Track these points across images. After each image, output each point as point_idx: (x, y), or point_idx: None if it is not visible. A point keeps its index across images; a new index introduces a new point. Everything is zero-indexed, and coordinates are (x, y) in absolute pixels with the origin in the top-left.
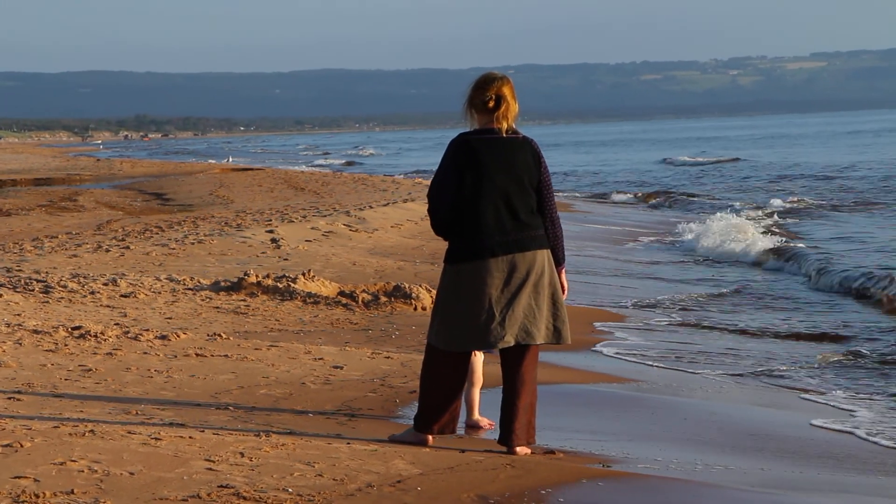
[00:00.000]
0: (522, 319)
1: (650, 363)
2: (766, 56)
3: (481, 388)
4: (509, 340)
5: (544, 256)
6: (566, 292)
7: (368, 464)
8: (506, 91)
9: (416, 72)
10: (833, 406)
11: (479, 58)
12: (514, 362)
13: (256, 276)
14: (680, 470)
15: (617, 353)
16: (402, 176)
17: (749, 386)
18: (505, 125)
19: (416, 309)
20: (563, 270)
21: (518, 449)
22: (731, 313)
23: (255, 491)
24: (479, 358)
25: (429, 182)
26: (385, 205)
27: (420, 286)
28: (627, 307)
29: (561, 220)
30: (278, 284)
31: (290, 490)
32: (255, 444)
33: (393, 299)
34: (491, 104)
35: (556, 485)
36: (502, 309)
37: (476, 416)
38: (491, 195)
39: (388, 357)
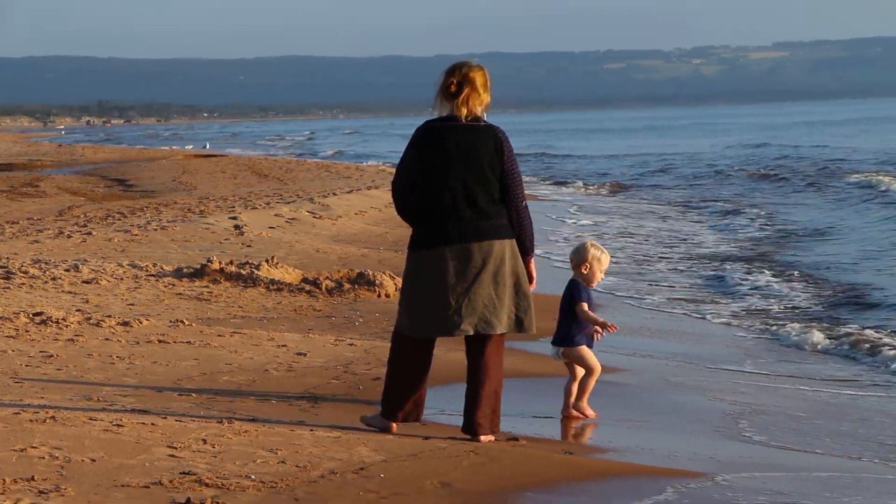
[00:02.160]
0: (482, 309)
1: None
2: (729, 45)
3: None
4: (467, 329)
5: (505, 246)
6: (534, 282)
7: (331, 451)
8: (473, 77)
9: (381, 59)
10: None
11: (445, 46)
12: (476, 351)
13: (219, 262)
14: (645, 456)
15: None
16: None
17: (716, 370)
18: (465, 111)
19: (379, 296)
20: (532, 260)
21: (482, 437)
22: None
23: (217, 477)
24: (582, 350)
25: (394, 169)
26: (349, 192)
27: (384, 273)
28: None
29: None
30: (241, 271)
31: (252, 477)
32: (217, 430)
33: (356, 286)
34: (453, 89)
35: (520, 471)
36: (459, 297)
37: (583, 402)
38: (449, 183)
39: (351, 344)
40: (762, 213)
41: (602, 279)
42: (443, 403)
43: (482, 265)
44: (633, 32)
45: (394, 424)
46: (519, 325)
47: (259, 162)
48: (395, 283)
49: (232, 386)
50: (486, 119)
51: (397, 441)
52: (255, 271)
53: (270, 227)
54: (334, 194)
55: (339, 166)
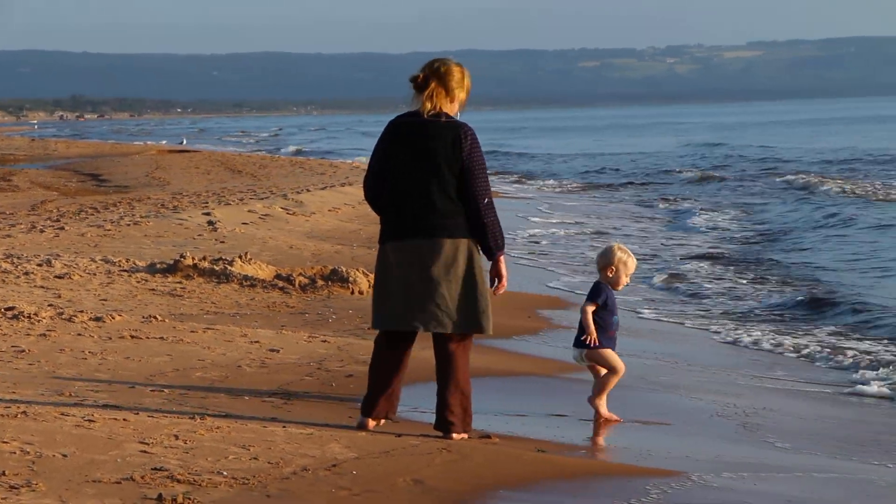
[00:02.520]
0: (433, 307)
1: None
2: (702, 44)
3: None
4: (417, 325)
5: (458, 244)
6: (503, 280)
7: (304, 447)
8: (445, 73)
9: (356, 55)
10: None
11: (420, 43)
12: (441, 349)
13: (193, 258)
14: (620, 454)
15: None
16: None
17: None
18: (429, 106)
19: (353, 293)
20: (501, 258)
21: (454, 435)
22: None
23: (189, 474)
24: (606, 353)
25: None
26: (323, 188)
27: (357, 270)
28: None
29: (495, 207)
30: (215, 267)
31: (224, 473)
32: (189, 426)
33: (330, 283)
34: (420, 83)
35: (492, 469)
36: (409, 292)
37: (601, 399)
38: (408, 178)
39: (324, 341)
40: (715, 211)
41: (628, 283)
42: (417, 401)
43: (435, 263)
44: (608, 31)
45: (369, 421)
46: (472, 325)
47: (233, 158)
48: (369, 280)
49: (204, 382)
50: (457, 116)
51: (370, 438)
52: (229, 267)
53: (244, 224)
54: (308, 191)
55: (312, 162)
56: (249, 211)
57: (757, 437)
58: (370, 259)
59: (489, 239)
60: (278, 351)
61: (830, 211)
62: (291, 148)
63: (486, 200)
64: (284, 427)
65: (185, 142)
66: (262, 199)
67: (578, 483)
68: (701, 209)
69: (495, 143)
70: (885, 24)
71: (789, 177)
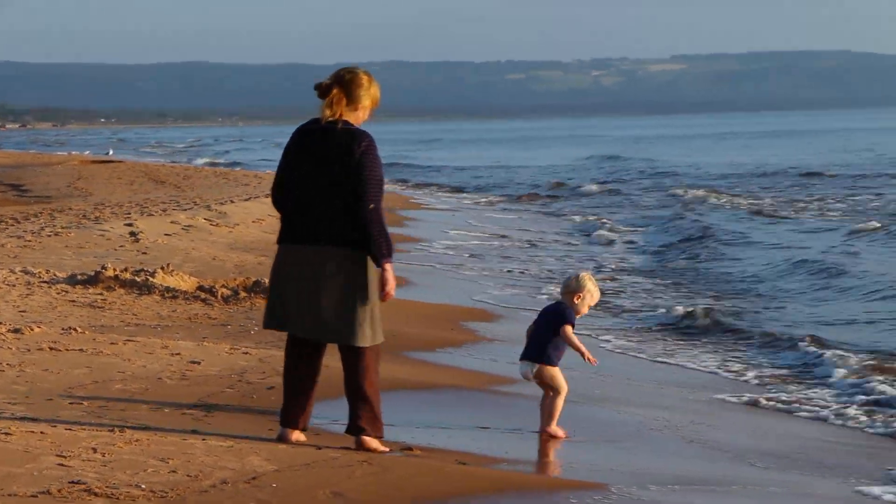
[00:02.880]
0: (313, 314)
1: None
2: (627, 57)
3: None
4: (297, 331)
5: (345, 253)
6: (389, 288)
7: (224, 460)
8: (349, 80)
9: (280, 66)
10: None
11: (345, 54)
12: (343, 357)
13: (114, 269)
14: (542, 467)
15: (469, 354)
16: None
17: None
18: (328, 114)
19: None
20: (387, 265)
21: (365, 439)
22: None
23: (107, 487)
24: (555, 371)
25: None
26: (247, 199)
27: None
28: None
29: (383, 214)
30: (136, 278)
31: (142, 486)
32: (108, 439)
33: (253, 294)
34: (323, 87)
35: (413, 482)
36: (297, 297)
37: (551, 427)
38: (302, 185)
39: (246, 353)
40: (618, 224)
41: (586, 313)
42: (337, 413)
43: (319, 270)
44: (534, 43)
45: (289, 432)
46: (346, 336)
47: (156, 168)
48: None
49: (124, 394)
50: (361, 124)
51: (290, 450)
52: (151, 279)
53: (166, 235)
54: (232, 202)
55: (237, 173)
56: (172, 222)
57: (690, 450)
58: None
59: (373, 246)
60: (199, 363)
61: (725, 227)
62: (203, 160)
63: (372, 207)
64: (204, 440)
65: (111, 152)
66: (186, 210)
67: (498, 496)
68: (602, 222)
69: (404, 154)
70: (805, 38)
71: (677, 190)
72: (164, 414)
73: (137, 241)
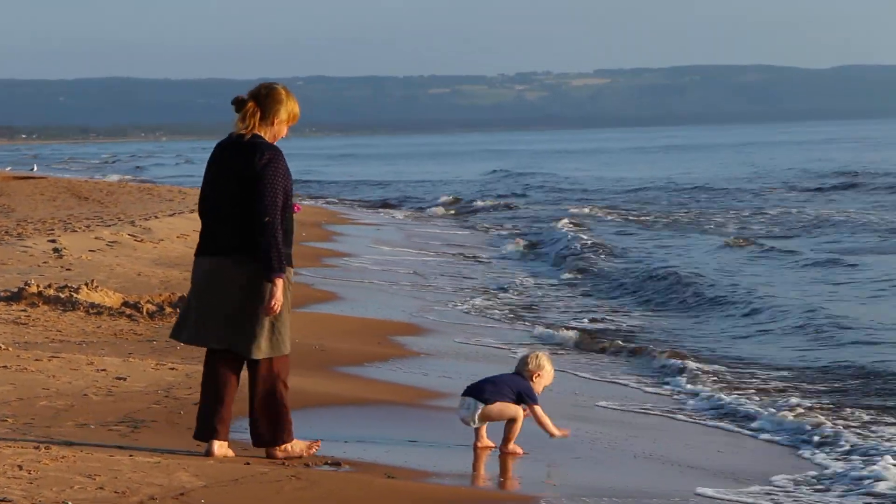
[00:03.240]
0: (213, 324)
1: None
2: (551, 72)
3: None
4: (195, 340)
5: (245, 264)
6: (274, 304)
7: (151, 476)
8: (265, 95)
9: (203, 81)
10: None
11: (269, 69)
12: (248, 366)
13: (38, 285)
14: (468, 480)
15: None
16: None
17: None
18: (240, 126)
19: None
20: (277, 281)
21: (276, 451)
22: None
23: None
24: (501, 405)
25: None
26: (171, 215)
27: None
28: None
29: (278, 228)
30: (60, 294)
31: (69, 503)
32: (34, 456)
33: (178, 310)
34: (238, 101)
35: (340, 496)
36: (200, 307)
37: (508, 447)
38: (207, 197)
39: (172, 368)
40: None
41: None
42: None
43: (221, 281)
44: (458, 58)
45: (214, 444)
46: (241, 347)
47: (79, 184)
48: None
49: (50, 411)
50: (276, 138)
51: (218, 466)
52: (75, 295)
53: (91, 251)
54: (156, 217)
55: (161, 189)
56: (96, 238)
57: (627, 463)
58: None
59: (263, 258)
60: (125, 379)
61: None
62: (115, 177)
63: (267, 220)
64: (131, 456)
65: (35, 168)
66: (110, 225)
67: None
68: (509, 234)
69: (318, 170)
70: (728, 53)
71: (573, 210)
72: (91, 430)
73: (61, 257)
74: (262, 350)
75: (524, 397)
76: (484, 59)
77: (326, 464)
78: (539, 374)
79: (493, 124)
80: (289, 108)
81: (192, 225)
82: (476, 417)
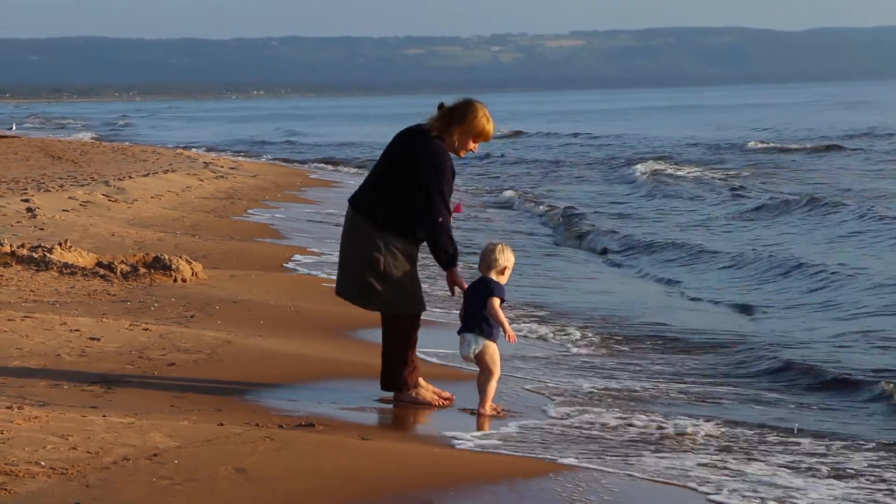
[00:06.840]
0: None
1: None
2: (526, 33)
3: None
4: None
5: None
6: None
7: (124, 436)
8: (462, 107)
9: (177, 41)
10: None
11: (244, 29)
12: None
13: (11, 245)
14: (441, 441)
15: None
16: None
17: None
18: (426, 119)
19: (175, 280)
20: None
21: (394, 393)
22: None
23: (5, 464)
24: (495, 350)
25: (192, 153)
26: (145, 175)
27: (180, 258)
28: None
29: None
30: (33, 254)
31: (42, 463)
32: (6, 416)
33: (152, 271)
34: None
35: (314, 457)
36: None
37: (485, 407)
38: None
39: (146, 329)
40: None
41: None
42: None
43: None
44: (433, 19)
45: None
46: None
47: (53, 144)
48: (192, 268)
49: (22, 371)
50: (452, 145)
51: (192, 427)
52: (48, 255)
53: (64, 210)
54: (130, 177)
55: (135, 149)
56: (70, 198)
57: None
58: (193, 247)
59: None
60: (99, 339)
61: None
62: (87, 134)
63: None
64: (104, 416)
65: (14, 127)
66: (84, 185)
67: (396, 469)
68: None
69: (286, 131)
70: (701, 15)
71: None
72: (64, 391)
73: (34, 217)
74: (378, 304)
75: (486, 293)
76: (459, 19)
77: (300, 425)
78: (507, 268)
79: (468, 86)
80: (477, 126)
81: (166, 185)
82: (477, 350)
